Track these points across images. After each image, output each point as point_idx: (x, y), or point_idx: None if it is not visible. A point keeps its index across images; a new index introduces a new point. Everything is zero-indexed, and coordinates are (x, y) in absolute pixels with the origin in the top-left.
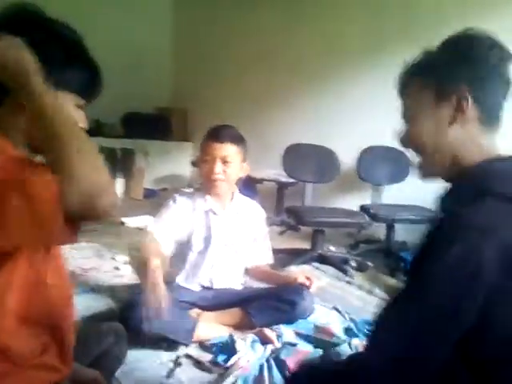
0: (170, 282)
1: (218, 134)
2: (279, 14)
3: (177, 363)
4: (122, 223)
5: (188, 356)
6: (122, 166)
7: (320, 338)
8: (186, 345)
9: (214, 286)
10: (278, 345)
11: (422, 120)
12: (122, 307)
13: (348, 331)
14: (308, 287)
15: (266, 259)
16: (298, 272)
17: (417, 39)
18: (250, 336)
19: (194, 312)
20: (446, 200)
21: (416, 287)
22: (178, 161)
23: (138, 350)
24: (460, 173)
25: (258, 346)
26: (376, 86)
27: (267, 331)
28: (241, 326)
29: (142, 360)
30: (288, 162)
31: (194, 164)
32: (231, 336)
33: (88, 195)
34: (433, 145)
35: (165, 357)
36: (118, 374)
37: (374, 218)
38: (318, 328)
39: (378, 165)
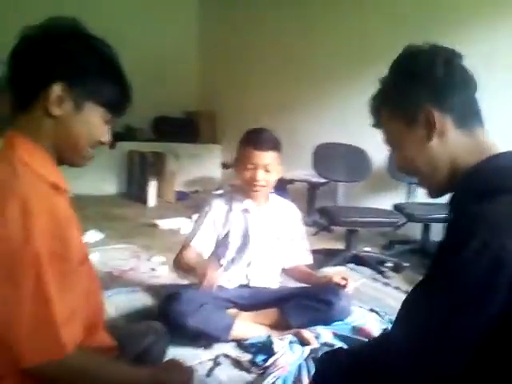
0: None
1: (258, 140)
2: (306, 16)
3: (216, 362)
4: (155, 225)
5: (227, 356)
6: (153, 170)
7: (358, 339)
8: (225, 341)
9: (251, 284)
10: (317, 345)
11: (403, 145)
12: (161, 301)
13: None
14: (344, 287)
15: (304, 259)
16: (334, 273)
17: (441, 40)
18: (288, 336)
19: (231, 312)
20: (453, 202)
21: (440, 279)
22: (208, 163)
23: (178, 349)
24: (462, 178)
25: (296, 346)
26: None
27: (305, 332)
28: (277, 326)
29: (181, 359)
30: (318, 162)
31: (224, 166)
32: (269, 337)
33: None
34: (425, 164)
35: (204, 356)
36: None
37: (410, 217)
38: (355, 329)
39: None
